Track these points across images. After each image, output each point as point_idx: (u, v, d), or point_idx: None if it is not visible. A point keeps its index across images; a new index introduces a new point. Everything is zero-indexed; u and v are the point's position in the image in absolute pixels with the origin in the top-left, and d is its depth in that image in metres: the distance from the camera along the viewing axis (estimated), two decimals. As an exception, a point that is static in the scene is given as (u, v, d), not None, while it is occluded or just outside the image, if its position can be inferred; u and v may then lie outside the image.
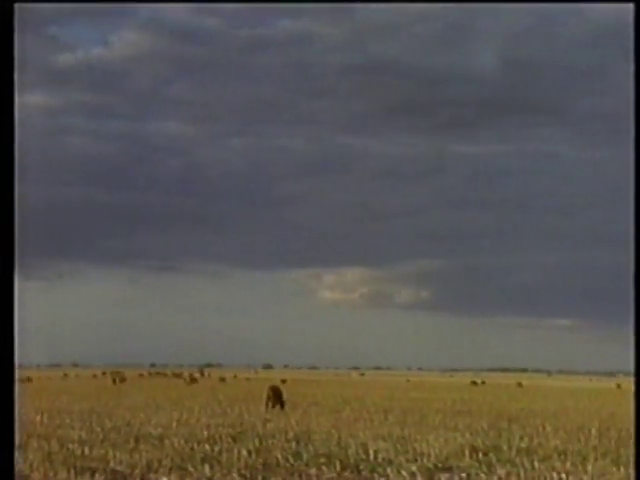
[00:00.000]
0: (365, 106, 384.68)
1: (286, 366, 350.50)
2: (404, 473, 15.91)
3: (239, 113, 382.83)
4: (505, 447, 20.40)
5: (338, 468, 16.46)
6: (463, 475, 15.75)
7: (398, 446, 20.19)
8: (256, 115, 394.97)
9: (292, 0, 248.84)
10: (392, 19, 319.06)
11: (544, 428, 26.77)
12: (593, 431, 25.66)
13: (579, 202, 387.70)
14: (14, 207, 10.44)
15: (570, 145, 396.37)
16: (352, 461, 17.46)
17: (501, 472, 16.16)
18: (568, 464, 17.39)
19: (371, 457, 18.10)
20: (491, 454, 18.98)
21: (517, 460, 17.96)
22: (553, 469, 16.58)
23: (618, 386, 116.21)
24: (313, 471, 16.07)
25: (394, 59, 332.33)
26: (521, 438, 22.80)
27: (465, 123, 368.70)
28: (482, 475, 15.82)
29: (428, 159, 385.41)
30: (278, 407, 34.14)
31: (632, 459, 12.44)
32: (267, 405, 34.47)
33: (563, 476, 15.69)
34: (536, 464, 17.23)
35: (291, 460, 17.43)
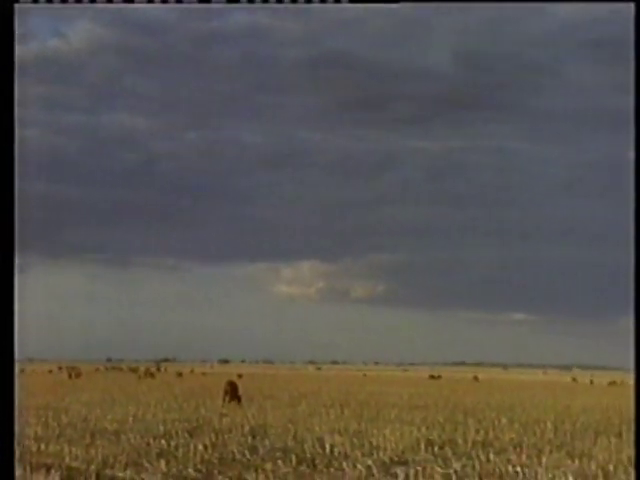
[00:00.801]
0: (321, 100, 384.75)
1: (243, 361, 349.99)
2: (360, 467, 15.93)
3: (195, 106, 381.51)
4: (461, 440, 20.50)
5: (294, 462, 16.45)
6: (419, 468, 15.79)
7: (354, 440, 20.22)
8: (212, 109, 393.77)
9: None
10: (348, 14, 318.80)
11: (500, 421, 26.94)
12: (548, 424, 25.85)
13: (533, 197, 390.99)
14: (14, 206, 10.36)
15: (523, 141, 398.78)
16: (308, 455, 17.47)
17: (456, 465, 16.23)
18: (523, 456, 17.52)
19: (327, 451, 18.11)
20: (447, 447, 19.07)
21: (473, 453, 18.06)
22: (508, 462, 16.68)
23: (574, 379, 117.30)
24: (269, 465, 16.04)
25: (350, 54, 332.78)
26: (477, 431, 22.93)
27: (420, 118, 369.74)
28: (438, 468, 15.87)
29: (383, 154, 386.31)
30: (235, 402, 34.15)
31: (632, 459, 12.58)
32: (224, 400, 34.48)
33: (518, 468, 15.78)
34: (492, 457, 17.33)
35: (247, 454, 17.41)
